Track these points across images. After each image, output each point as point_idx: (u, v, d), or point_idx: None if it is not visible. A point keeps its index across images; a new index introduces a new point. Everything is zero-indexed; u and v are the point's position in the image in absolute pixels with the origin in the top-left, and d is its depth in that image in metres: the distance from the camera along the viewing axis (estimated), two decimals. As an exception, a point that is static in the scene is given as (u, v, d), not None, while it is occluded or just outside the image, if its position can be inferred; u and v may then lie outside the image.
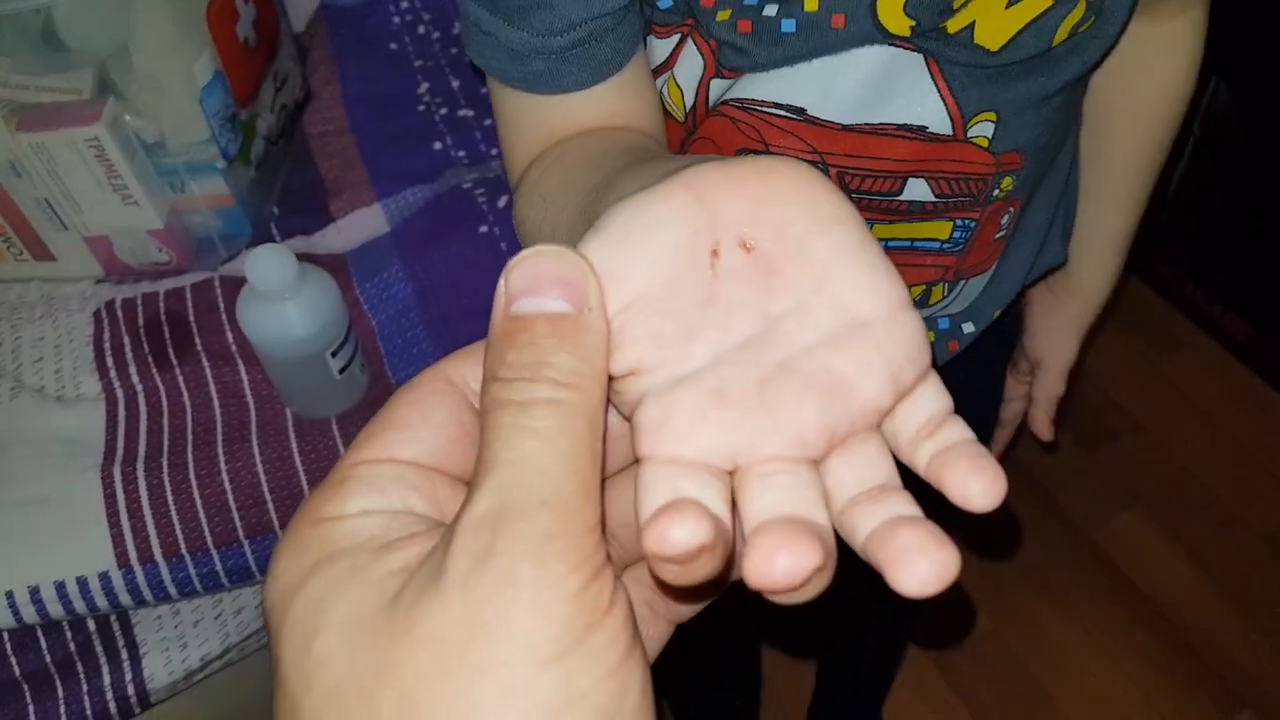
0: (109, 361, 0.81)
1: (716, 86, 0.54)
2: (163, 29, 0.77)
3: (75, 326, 0.83)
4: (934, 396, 0.25)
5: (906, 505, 0.24)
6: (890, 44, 0.49)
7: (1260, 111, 1.52)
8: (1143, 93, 0.67)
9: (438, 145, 0.95)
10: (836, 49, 0.49)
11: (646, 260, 0.24)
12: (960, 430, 0.25)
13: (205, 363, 0.81)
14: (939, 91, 0.52)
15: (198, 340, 0.82)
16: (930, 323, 0.63)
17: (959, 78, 0.51)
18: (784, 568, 0.21)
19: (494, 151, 0.95)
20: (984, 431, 0.84)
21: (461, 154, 0.95)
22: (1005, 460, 0.91)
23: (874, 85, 0.51)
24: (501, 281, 0.24)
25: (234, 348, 0.82)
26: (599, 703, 0.22)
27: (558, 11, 0.46)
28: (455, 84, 1.00)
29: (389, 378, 0.83)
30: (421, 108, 0.99)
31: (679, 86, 0.55)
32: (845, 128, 0.52)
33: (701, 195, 0.25)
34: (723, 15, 0.49)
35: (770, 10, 0.48)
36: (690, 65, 0.54)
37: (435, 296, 0.84)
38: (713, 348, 0.24)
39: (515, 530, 0.22)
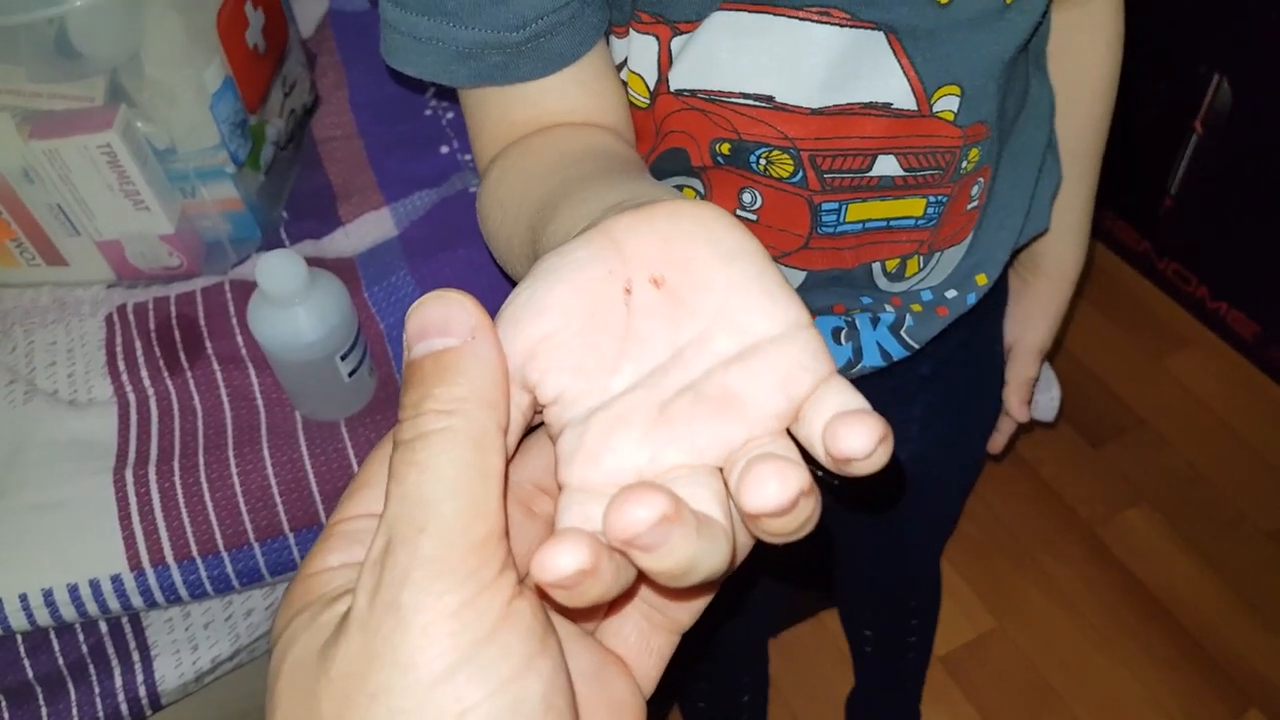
0: (121, 365, 0.82)
1: (678, 59, 0.54)
2: (174, 37, 0.78)
3: (87, 331, 0.84)
4: (838, 396, 0.26)
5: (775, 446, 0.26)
6: (853, 25, 0.50)
7: (1261, 108, 1.53)
8: (1080, 73, 0.70)
9: (444, 149, 0.96)
10: None
11: (566, 294, 0.27)
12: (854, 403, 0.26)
13: (216, 366, 0.82)
14: (901, 68, 0.53)
15: (208, 344, 0.83)
16: (912, 295, 0.64)
17: (921, 51, 0.53)
18: (631, 516, 0.23)
19: (500, 155, 0.96)
20: (986, 419, 0.85)
21: (467, 157, 0.95)
22: (1009, 453, 0.92)
23: (838, 67, 0.52)
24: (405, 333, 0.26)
25: (244, 351, 0.83)
26: (491, 712, 0.23)
27: (513, 7, 0.47)
28: (462, 88, 1.01)
29: (397, 380, 0.83)
30: (428, 112, 1.00)
31: (638, 74, 0.56)
32: (814, 111, 0.53)
33: (616, 239, 0.27)
34: None
35: None
36: (644, 48, 0.55)
37: (443, 300, 0.85)
38: (627, 377, 0.27)
39: (396, 561, 0.24)
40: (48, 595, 0.73)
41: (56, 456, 0.76)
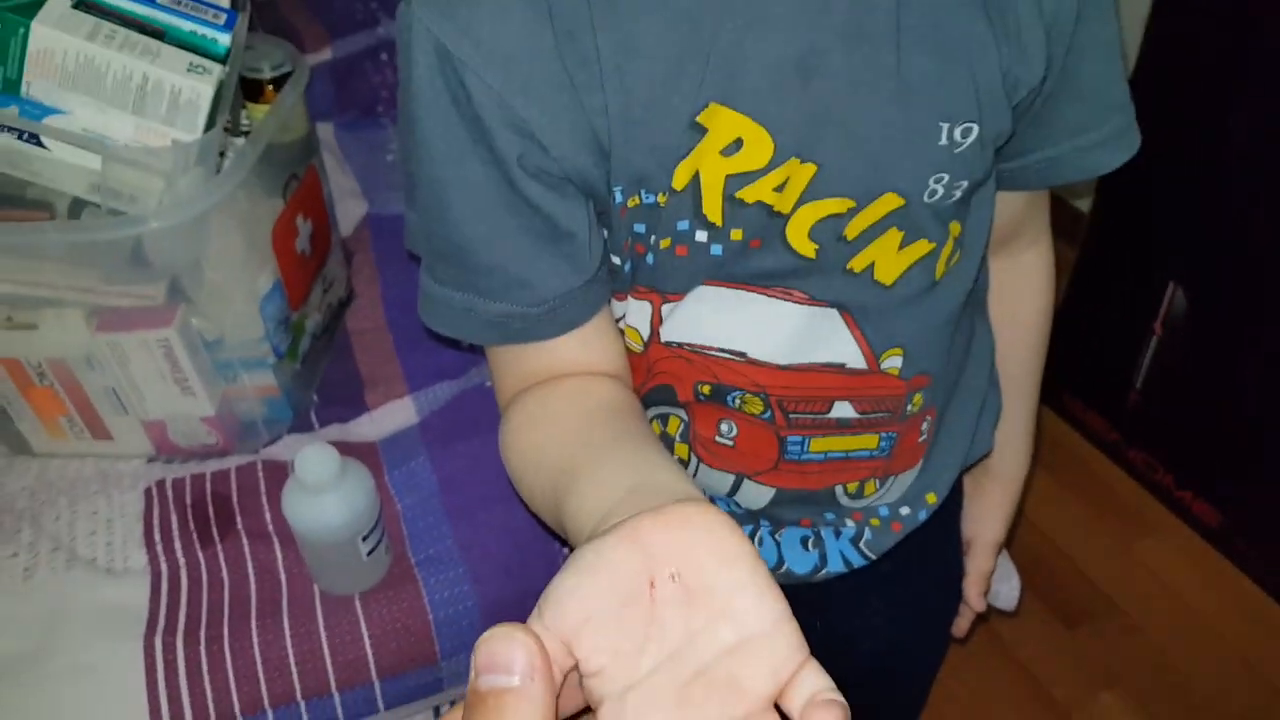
0: (156, 537, 0.89)
1: (668, 319, 0.64)
2: (233, 247, 0.88)
3: (127, 503, 0.92)
4: (812, 678, 0.35)
5: None
6: (811, 304, 0.60)
7: (1214, 314, 1.65)
8: (1017, 311, 0.80)
9: (464, 345, 1.05)
10: (756, 272, 0.60)
11: (605, 586, 0.35)
12: (825, 691, 0.34)
13: (245, 541, 0.89)
14: (853, 338, 0.63)
15: (239, 520, 0.90)
16: (871, 511, 0.73)
17: (869, 324, 0.62)
18: None
19: (513, 350, 1.06)
20: (948, 607, 0.91)
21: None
22: (974, 634, 0.98)
23: (800, 335, 0.62)
24: (473, 656, 0.34)
25: (271, 527, 0.90)
26: None
27: (536, 291, 0.56)
28: (481, 286, 1.11)
29: (409, 558, 0.90)
30: (450, 307, 1.10)
31: (634, 328, 0.66)
32: (780, 367, 0.63)
33: (642, 541, 0.35)
34: (664, 243, 0.59)
35: (701, 237, 0.58)
36: (639, 310, 0.65)
37: (457, 485, 0.93)
38: (652, 658, 0.34)
39: None
40: (77, 756, 0.78)
41: (92, 622, 0.83)
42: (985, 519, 0.88)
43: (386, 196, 1.24)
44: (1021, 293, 0.80)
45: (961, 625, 0.94)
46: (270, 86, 0.97)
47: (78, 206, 0.84)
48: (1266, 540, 1.70)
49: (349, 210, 1.21)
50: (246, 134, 0.96)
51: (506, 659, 0.32)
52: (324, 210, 1.04)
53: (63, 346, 0.88)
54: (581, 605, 0.34)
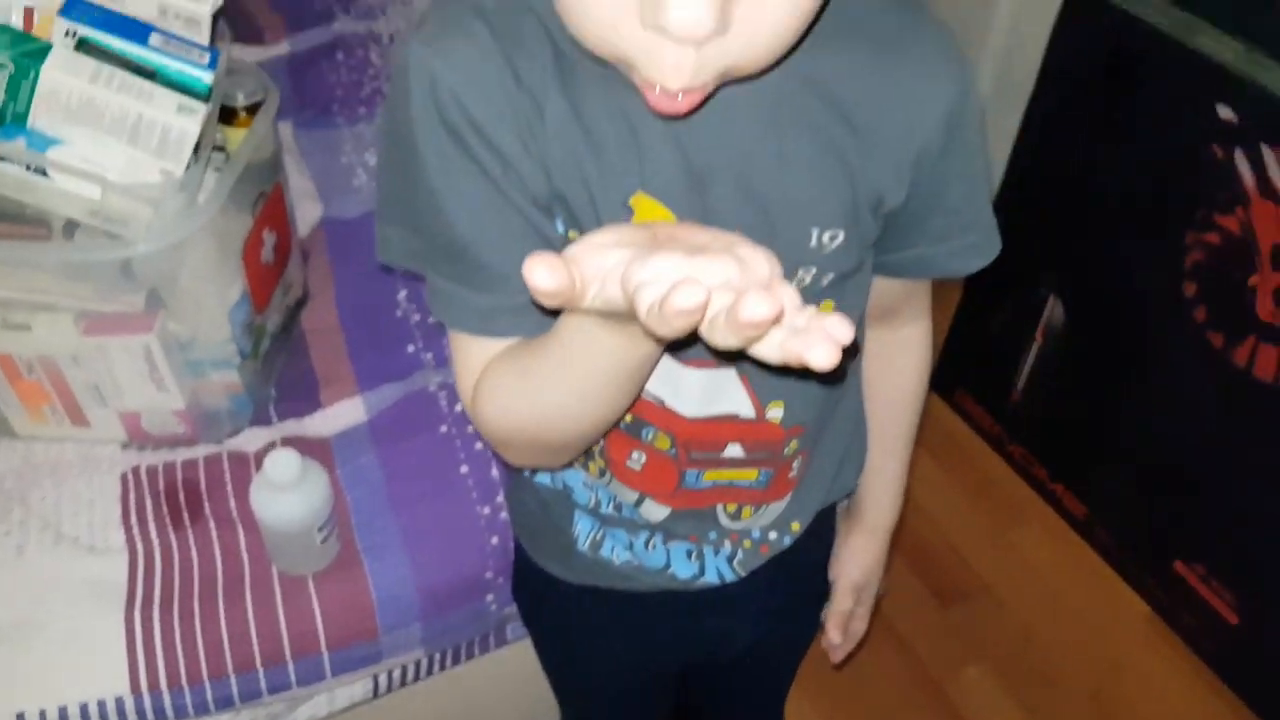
0: (133, 520, 1.00)
1: None
2: (208, 261, 0.99)
3: (106, 486, 1.03)
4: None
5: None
6: (715, 367, 0.73)
7: (1089, 325, 1.83)
8: (893, 379, 0.91)
9: (410, 348, 1.17)
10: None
11: (615, 234, 0.49)
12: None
13: (212, 525, 1.01)
14: (745, 393, 0.75)
15: (206, 506, 1.02)
16: (745, 533, 0.85)
17: (758, 381, 0.74)
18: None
19: (455, 355, 1.18)
20: (809, 616, 1.01)
21: (429, 355, 1.17)
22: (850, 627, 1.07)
23: (705, 391, 0.74)
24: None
25: (235, 514, 1.02)
26: None
27: (515, 284, 0.62)
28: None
29: (356, 544, 1.02)
30: (399, 312, 1.21)
31: None
32: (689, 419, 0.76)
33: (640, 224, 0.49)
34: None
35: None
36: None
37: (400, 481, 1.05)
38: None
39: None
40: (62, 712, 0.90)
41: (78, 595, 0.94)
42: (848, 562, 0.98)
43: (342, 200, 1.34)
44: (900, 364, 0.91)
45: (835, 655, 1.02)
46: (244, 112, 1.07)
47: (72, 225, 0.94)
48: (1124, 531, 1.90)
49: (306, 212, 1.31)
50: (221, 149, 1.06)
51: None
52: (287, 221, 1.14)
53: (52, 346, 0.98)
54: (602, 237, 0.48)
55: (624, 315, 0.50)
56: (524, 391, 0.66)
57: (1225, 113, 1.43)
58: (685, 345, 0.72)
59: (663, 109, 0.55)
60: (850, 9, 0.64)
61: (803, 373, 0.76)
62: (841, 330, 0.44)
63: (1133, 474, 1.86)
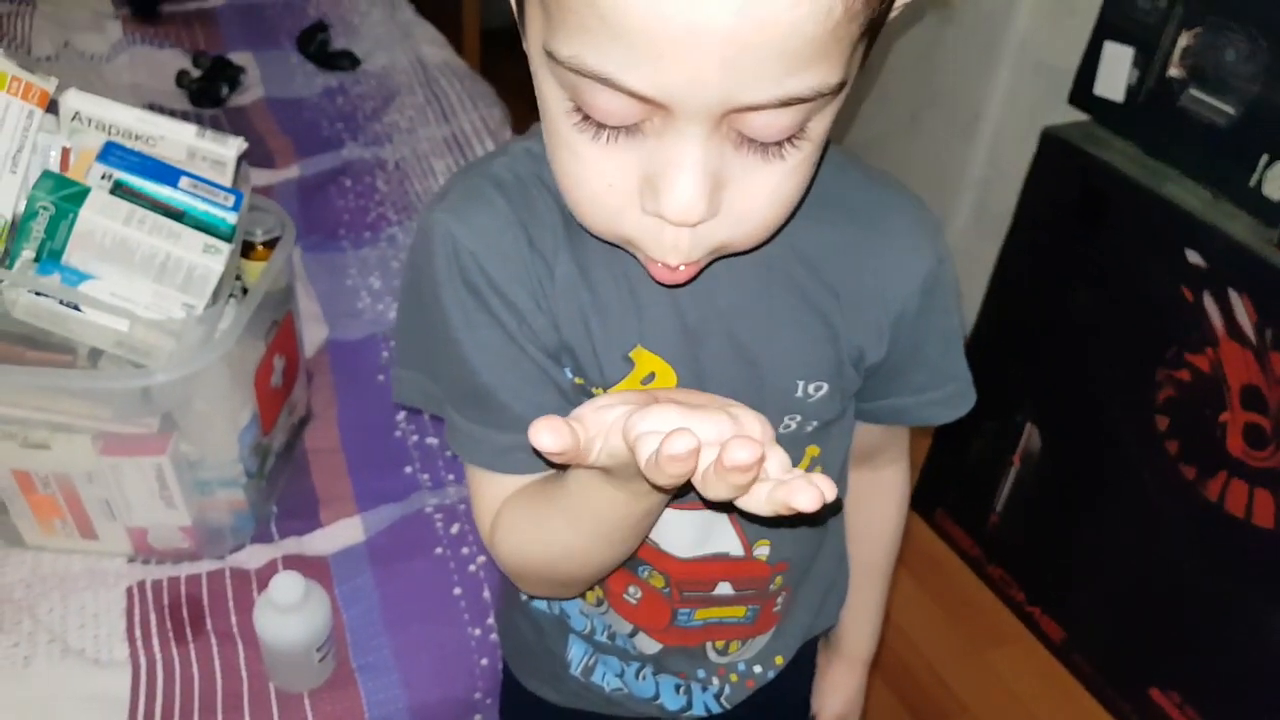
0: (138, 633, 1.04)
1: None
2: (222, 387, 1.04)
3: (112, 600, 1.06)
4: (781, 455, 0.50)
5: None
6: (706, 509, 0.77)
7: (1065, 452, 1.89)
8: (874, 519, 0.96)
9: (408, 469, 1.22)
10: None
11: (619, 397, 0.54)
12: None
13: (213, 641, 1.04)
14: (735, 533, 0.80)
15: (208, 622, 1.06)
16: (731, 667, 0.89)
17: (746, 520, 0.77)
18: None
19: (450, 477, 1.23)
20: None
21: (425, 477, 1.22)
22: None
23: (697, 532, 0.79)
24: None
25: (235, 630, 1.06)
26: None
27: (529, 425, 0.69)
28: (426, 416, 1.28)
29: (351, 662, 1.06)
30: (398, 433, 1.27)
31: None
32: (681, 559, 0.80)
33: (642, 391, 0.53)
34: None
35: None
36: None
37: (395, 601, 1.09)
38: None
39: None
40: (60, 825, 0.93)
41: (81, 708, 0.97)
42: (830, 694, 1.02)
43: (346, 323, 1.41)
44: (879, 504, 0.96)
45: None
46: (262, 246, 1.14)
47: (96, 352, 1.00)
48: (1100, 655, 1.93)
49: (311, 334, 1.37)
50: (238, 278, 1.13)
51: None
52: (295, 346, 1.20)
53: (70, 464, 1.03)
54: (606, 399, 0.52)
55: (627, 471, 0.54)
56: (536, 535, 0.71)
57: (1194, 257, 1.51)
58: (682, 495, 0.77)
59: (664, 280, 0.61)
60: (831, 186, 0.70)
61: (790, 518, 0.82)
62: (827, 486, 0.47)
63: (1108, 599, 1.90)
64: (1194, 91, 1.48)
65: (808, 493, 0.46)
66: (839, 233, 0.72)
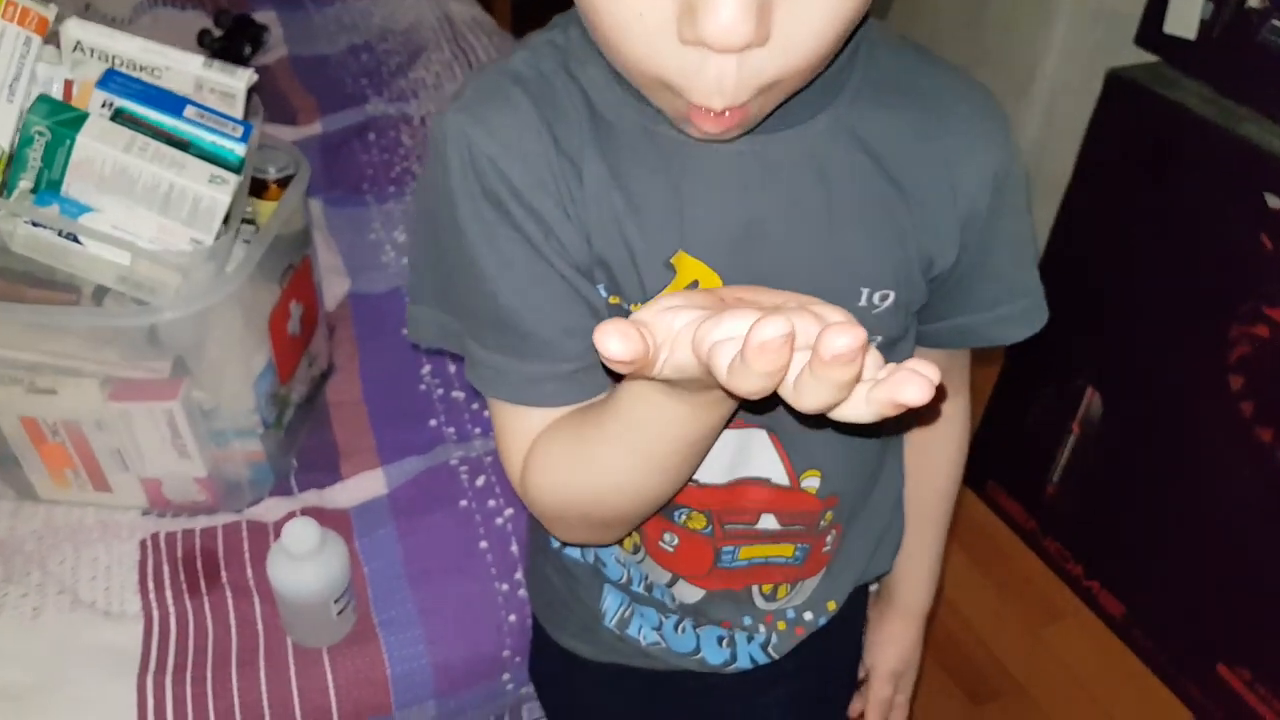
0: (150, 585, 0.99)
1: None
2: (235, 331, 0.99)
3: (125, 552, 1.02)
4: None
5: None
6: (744, 427, 0.71)
7: (1127, 417, 1.79)
8: (931, 457, 0.89)
9: (433, 422, 1.17)
10: None
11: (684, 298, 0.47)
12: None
13: (228, 594, 0.99)
14: (778, 457, 0.73)
15: (224, 574, 1.01)
16: (780, 614, 0.82)
17: (793, 445, 0.72)
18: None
19: (476, 430, 1.17)
20: (843, 697, 0.97)
21: (451, 430, 1.16)
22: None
23: (734, 454, 0.72)
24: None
25: (251, 583, 1.01)
26: None
27: (562, 351, 0.64)
28: (452, 369, 1.23)
29: (373, 617, 1.01)
30: (422, 386, 1.21)
31: None
32: (720, 485, 0.74)
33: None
34: None
35: None
36: None
37: (418, 555, 1.04)
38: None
39: None
40: (67, 780, 0.88)
41: (91, 659, 0.93)
42: (885, 648, 0.95)
43: (369, 276, 1.36)
44: (937, 441, 0.89)
45: None
46: (275, 185, 1.09)
47: (101, 291, 0.95)
48: (1164, 632, 1.84)
49: (333, 286, 1.33)
50: (251, 221, 1.08)
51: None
52: (314, 294, 1.15)
53: (78, 411, 0.98)
54: (670, 301, 0.46)
55: (691, 383, 0.48)
56: (579, 466, 0.64)
57: (1275, 202, 1.41)
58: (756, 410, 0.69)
59: (706, 127, 0.53)
60: (895, 69, 0.64)
61: (841, 436, 0.75)
62: (932, 371, 0.40)
63: (1172, 572, 1.81)
64: (1277, 22, 1.38)
65: (914, 382, 0.40)
66: (904, 118, 0.64)
